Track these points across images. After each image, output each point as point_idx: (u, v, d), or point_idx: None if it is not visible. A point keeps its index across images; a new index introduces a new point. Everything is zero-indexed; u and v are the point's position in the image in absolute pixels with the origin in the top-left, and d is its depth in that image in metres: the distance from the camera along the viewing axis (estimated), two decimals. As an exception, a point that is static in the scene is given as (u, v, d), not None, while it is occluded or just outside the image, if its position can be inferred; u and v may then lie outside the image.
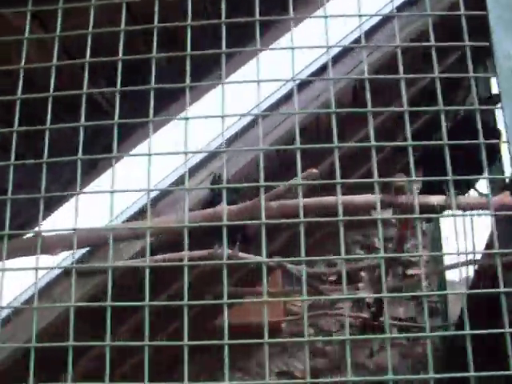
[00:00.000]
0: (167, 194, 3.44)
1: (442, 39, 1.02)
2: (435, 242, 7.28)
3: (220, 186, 0.79)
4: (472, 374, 0.83)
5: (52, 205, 2.47)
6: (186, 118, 0.93)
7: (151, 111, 0.89)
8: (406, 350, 6.78)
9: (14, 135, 1.00)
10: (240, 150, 3.83)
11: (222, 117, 0.90)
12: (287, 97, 3.77)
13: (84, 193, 1.02)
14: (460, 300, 6.53)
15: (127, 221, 3.28)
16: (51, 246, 2.13)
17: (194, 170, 3.56)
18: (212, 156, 3.60)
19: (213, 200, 3.06)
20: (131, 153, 2.48)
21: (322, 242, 6.64)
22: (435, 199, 2.66)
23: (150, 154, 0.85)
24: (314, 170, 2.38)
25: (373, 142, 0.93)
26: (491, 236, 4.05)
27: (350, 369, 0.82)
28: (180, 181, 3.41)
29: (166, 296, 4.28)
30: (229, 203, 3.05)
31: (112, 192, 0.84)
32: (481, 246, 4.75)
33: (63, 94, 1.01)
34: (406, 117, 0.98)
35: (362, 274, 6.41)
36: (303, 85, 3.80)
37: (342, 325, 6.90)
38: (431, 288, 6.60)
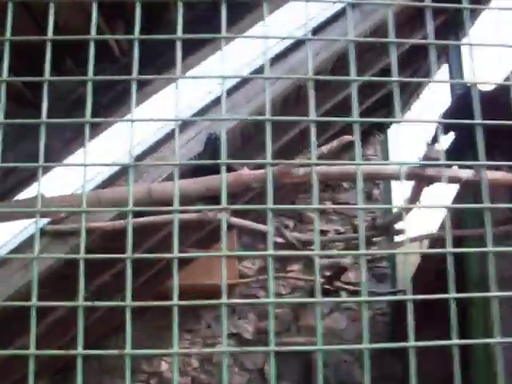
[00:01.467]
0: (154, 149, 3.35)
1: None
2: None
3: (218, 162, 0.73)
4: (412, 344, 0.82)
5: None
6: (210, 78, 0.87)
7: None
8: (355, 314, 6.91)
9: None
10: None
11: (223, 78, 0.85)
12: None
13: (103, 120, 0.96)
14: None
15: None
16: (53, 208, 2.04)
17: (183, 127, 3.45)
18: (203, 113, 3.51)
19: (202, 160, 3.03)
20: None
21: (287, 195, 6.67)
22: (464, 173, 2.55)
23: (178, 78, 0.79)
24: (348, 137, 2.33)
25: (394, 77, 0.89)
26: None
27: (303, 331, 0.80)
28: (170, 136, 3.32)
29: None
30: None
31: (132, 121, 0.78)
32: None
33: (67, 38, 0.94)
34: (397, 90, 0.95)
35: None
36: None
37: (293, 287, 6.97)
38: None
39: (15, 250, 3.11)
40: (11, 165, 0.88)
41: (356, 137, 0.98)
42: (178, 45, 0.74)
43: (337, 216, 7.23)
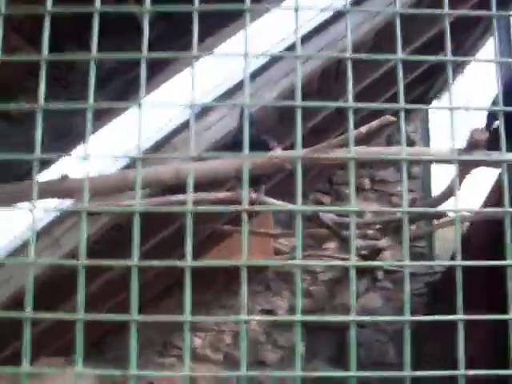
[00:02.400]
0: (183, 129, 3.27)
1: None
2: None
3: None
4: (460, 317, 0.70)
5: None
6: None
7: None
8: (391, 293, 6.80)
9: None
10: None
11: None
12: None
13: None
14: (448, 249, 6.52)
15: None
16: (77, 189, 1.96)
17: (209, 110, 3.36)
18: (234, 90, 3.41)
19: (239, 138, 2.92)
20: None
21: (313, 181, 6.58)
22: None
23: (195, 56, 0.69)
24: (391, 118, 2.21)
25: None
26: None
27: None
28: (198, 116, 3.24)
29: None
30: (259, 143, 2.93)
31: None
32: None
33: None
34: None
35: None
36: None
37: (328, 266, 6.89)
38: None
39: (46, 228, 3.07)
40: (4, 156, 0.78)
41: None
42: (196, 16, 0.64)
43: (374, 194, 7.09)
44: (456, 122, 0.82)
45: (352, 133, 0.80)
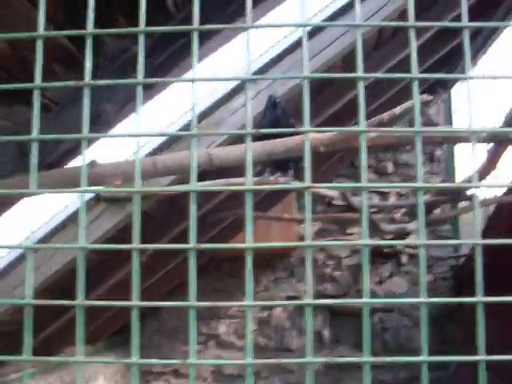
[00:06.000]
0: (210, 113, 3.23)
1: None
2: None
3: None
4: (480, 299, 0.65)
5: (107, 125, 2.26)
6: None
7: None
8: (416, 277, 6.74)
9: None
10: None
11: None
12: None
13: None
14: (473, 233, 6.44)
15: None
16: (107, 175, 1.94)
17: (237, 91, 3.30)
18: (259, 74, 3.36)
19: (269, 122, 2.92)
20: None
21: (335, 165, 6.53)
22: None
23: (248, 28, 0.66)
24: (429, 96, 2.16)
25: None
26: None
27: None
28: (225, 98, 3.19)
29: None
30: (287, 126, 2.89)
31: (193, 81, 0.65)
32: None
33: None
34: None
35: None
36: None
37: (352, 250, 6.84)
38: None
39: (72, 216, 3.07)
40: (54, 137, 0.75)
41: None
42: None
43: (398, 177, 7.02)
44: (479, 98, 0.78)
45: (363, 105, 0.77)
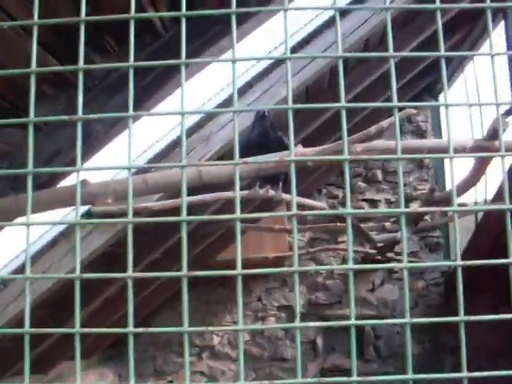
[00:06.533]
0: (198, 128, 3.27)
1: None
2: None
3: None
4: (461, 318, 0.69)
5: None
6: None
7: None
8: (407, 284, 6.76)
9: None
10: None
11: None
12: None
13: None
14: (464, 238, 6.49)
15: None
16: (98, 194, 1.96)
17: (228, 103, 3.33)
18: (244, 90, 3.40)
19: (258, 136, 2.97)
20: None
21: (325, 175, 6.57)
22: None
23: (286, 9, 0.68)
24: (414, 111, 2.19)
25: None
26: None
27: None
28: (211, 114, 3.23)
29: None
30: (275, 138, 2.93)
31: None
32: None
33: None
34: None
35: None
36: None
37: (343, 259, 6.87)
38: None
39: (64, 232, 3.08)
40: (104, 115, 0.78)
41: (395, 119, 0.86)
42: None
43: (387, 185, 7.07)
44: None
45: (345, 133, 0.79)
